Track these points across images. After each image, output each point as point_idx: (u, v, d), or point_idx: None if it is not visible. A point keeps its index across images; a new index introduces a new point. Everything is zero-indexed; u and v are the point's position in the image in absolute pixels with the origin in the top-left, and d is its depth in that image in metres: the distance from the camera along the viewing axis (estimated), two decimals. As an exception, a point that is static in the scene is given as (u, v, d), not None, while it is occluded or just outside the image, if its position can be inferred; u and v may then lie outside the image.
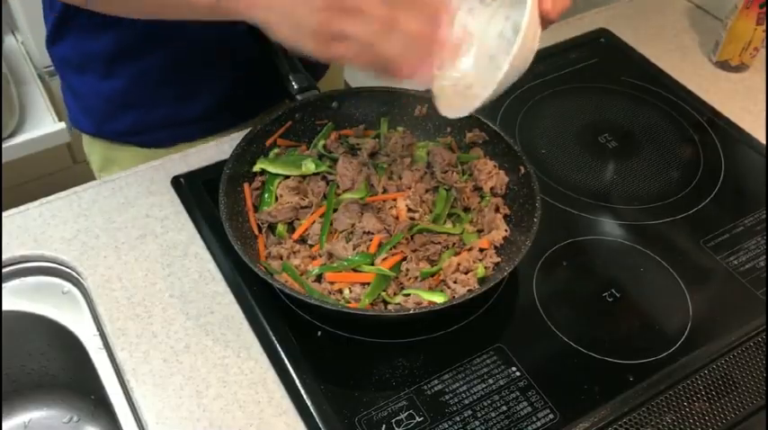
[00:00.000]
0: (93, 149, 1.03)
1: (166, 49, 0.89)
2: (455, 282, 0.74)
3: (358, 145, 0.87)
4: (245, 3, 0.63)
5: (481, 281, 0.75)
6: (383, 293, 0.74)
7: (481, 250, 0.78)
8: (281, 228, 0.80)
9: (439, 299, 0.72)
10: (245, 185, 0.82)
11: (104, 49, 0.89)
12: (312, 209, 0.81)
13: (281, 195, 0.82)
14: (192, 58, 0.90)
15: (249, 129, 0.83)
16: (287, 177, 0.84)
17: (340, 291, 0.74)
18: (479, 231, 0.80)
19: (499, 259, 0.77)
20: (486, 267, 0.76)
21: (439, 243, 0.78)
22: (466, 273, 0.75)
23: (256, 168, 0.83)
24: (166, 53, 0.89)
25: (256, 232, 0.80)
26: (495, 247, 0.79)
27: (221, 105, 0.97)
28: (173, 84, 0.93)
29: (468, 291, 0.72)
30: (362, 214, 0.79)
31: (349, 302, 0.73)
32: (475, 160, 0.85)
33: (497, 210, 0.82)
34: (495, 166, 0.84)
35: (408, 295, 0.73)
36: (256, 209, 0.82)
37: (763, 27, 1.04)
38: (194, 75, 0.94)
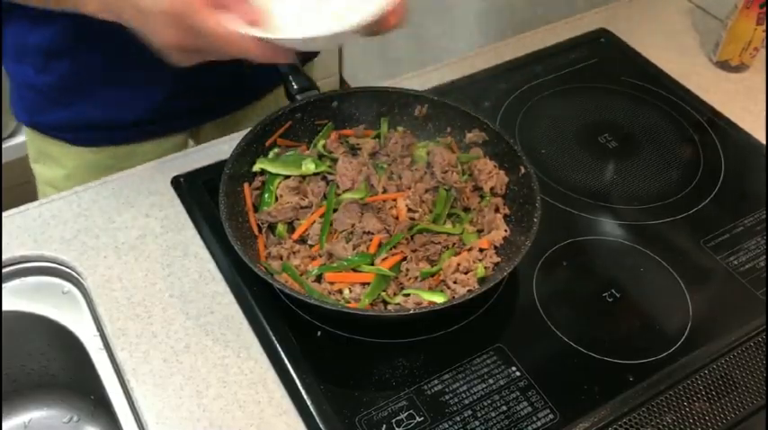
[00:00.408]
0: (29, 140, 1.03)
1: (101, 49, 0.88)
2: (455, 283, 0.74)
3: (358, 145, 0.87)
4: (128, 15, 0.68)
5: (481, 281, 0.75)
6: (383, 293, 0.74)
7: (481, 250, 0.78)
8: (280, 228, 0.80)
9: (439, 299, 0.72)
10: (245, 185, 0.82)
11: (40, 42, 0.88)
12: (312, 209, 0.81)
13: (281, 195, 0.82)
14: (127, 59, 0.88)
15: (249, 129, 0.83)
16: (287, 177, 0.84)
17: (340, 292, 0.74)
18: (479, 231, 0.80)
19: (499, 259, 0.77)
20: (486, 267, 0.76)
21: (439, 243, 0.78)
22: (466, 273, 0.75)
23: (256, 168, 0.83)
24: (101, 52, 0.89)
25: (256, 232, 0.80)
26: (495, 247, 0.79)
27: (160, 110, 0.97)
28: (107, 84, 0.92)
29: (468, 291, 0.72)
30: (362, 214, 0.79)
31: (349, 302, 0.73)
32: (475, 160, 0.85)
33: (497, 210, 0.82)
34: (495, 166, 0.84)
35: (408, 295, 0.73)
36: (256, 209, 0.82)
37: (763, 27, 1.04)
38: (130, 77, 0.92)
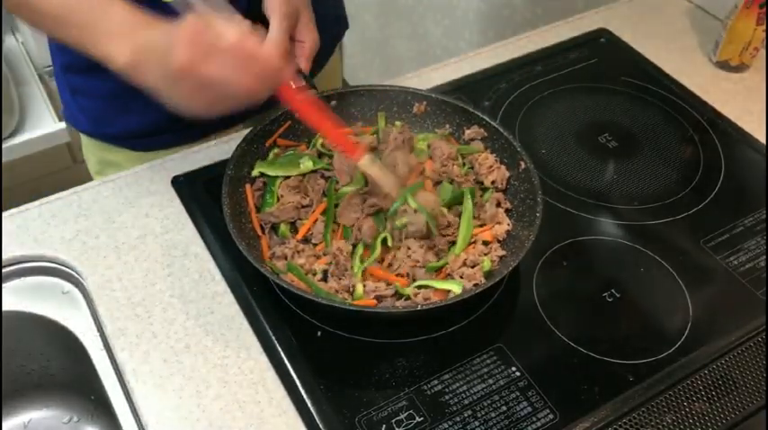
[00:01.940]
0: (90, 151, 1.03)
1: None
2: (461, 277, 0.74)
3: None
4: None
5: (487, 275, 0.75)
6: (397, 285, 0.74)
7: (485, 243, 0.78)
8: (283, 227, 0.80)
9: (454, 287, 0.72)
10: (247, 186, 0.82)
11: None
12: (313, 206, 0.81)
13: (283, 195, 0.82)
14: None
15: (249, 130, 0.84)
16: (287, 177, 0.84)
17: (348, 291, 0.74)
18: (481, 226, 0.81)
19: (504, 253, 0.77)
20: (492, 260, 0.76)
21: (447, 236, 0.78)
22: (472, 267, 0.75)
23: (255, 173, 0.83)
24: None
25: (259, 232, 0.80)
26: (499, 241, 0.79)
27: None
28: None
29: (475, 285, 0.73)
30: (365, 201, 0.79)
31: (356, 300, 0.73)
32: (476, 154, 0.85)
33: (498, 205, 0.82)
34: (496, 160, 0.85)
35: (421, 288, 0.73)
36: (258, 209, 0.82)
37: (763, 27, 1.04)
38: None
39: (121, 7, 0.71)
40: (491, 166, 0.84)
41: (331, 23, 0.98)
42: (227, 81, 0.67)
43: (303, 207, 0.81)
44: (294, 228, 0.81)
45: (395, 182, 0.78)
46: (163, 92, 0.71)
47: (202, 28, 0.66)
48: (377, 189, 0.79)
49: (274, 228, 0.81)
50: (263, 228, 0.80)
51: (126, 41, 0.70)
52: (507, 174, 0.84)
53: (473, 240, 0.79)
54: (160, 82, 0.70)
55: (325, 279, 0.76)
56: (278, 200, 0.82)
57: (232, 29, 0.67)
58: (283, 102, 0.76)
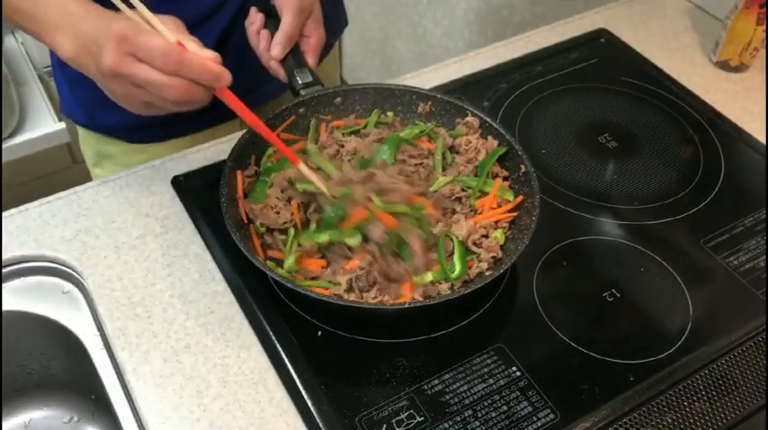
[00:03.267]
0: (87, 143, 1.03)
1: None
2: (479, 247, 0.76)
3: (341, 142, 0.87)
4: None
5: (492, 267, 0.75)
6: (414, 275, 0.74)
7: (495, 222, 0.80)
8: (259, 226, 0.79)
9: (498, 235, 0.76)
10: (238, 173, 0.81)
11: None
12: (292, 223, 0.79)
13: (269, 196, 0.80)
14: None
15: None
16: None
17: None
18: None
19: (513, 217, 0.80)
20: (504, 232, 0.78)
21: (449, 196, 0.81)
22: (487, 237, 0.77)
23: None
24: None
25: (245, 220, 0.79)
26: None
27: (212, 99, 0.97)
28: None
29: (492, 257, 0.74)
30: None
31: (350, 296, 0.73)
32: (460, 138, 0.87)
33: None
34: (477, 138, 0.86)
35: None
36: (246, 196, 0.81)
37: (763, 27, 1.04)
38: None
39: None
40: (476, 147, 0.85)
41: (331, 18, 0.98)
42: (156, 84, 0.68)
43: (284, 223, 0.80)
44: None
45: (328, 184, 0.77)
46: (102, 87, 0.73)
47: (131, 32, 0.66)
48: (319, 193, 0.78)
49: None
50: (249, 218, 0.79)
51: (66, 32, 0.72)
52: (495, 143, 0.85)
53: (479, 211, 0.81)
54: (98, 77, 0.72)
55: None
56: (265, 196, 0.80)
57: (158, 36, 0.67)
58: (228, 105, 0.74)
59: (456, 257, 0.75)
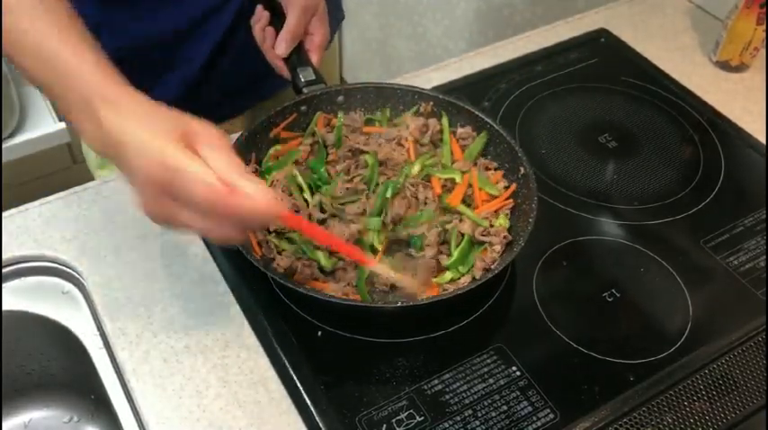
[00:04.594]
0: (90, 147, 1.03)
1: (139, 58, 0.87)
2: (488, 235, 0.77)
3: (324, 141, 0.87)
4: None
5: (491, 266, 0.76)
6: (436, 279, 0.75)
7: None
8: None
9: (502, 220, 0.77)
10: None
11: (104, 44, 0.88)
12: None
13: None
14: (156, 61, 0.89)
15: (257, 123, 0.83)
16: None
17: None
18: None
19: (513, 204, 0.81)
20: (507, 217, 0.79)
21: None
22: (492, 226, 0.78)
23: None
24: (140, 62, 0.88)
25: None
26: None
27: (221, 94, 0.98)
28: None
29: (482, 272, 0.74)
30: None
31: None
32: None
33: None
34: (470, 131, 0.87)
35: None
36: None
37: (763, 27, 1.04)
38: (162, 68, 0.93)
39: (86, 80, 0.61)
40: (465, 138, 0.86)
41: (331, 12, 0.99)
42: (195, 228, 0.60)
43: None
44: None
45: (411, 281, 0.74)
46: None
47: (168, 180, 0.56)
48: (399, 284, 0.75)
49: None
50: None
51: (90, 121, 0.61)
52: (485, 139, 0.86)
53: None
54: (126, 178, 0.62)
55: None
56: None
57: (202, 181, 0.56)
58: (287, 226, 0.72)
59: (456, 248, 0.76)
